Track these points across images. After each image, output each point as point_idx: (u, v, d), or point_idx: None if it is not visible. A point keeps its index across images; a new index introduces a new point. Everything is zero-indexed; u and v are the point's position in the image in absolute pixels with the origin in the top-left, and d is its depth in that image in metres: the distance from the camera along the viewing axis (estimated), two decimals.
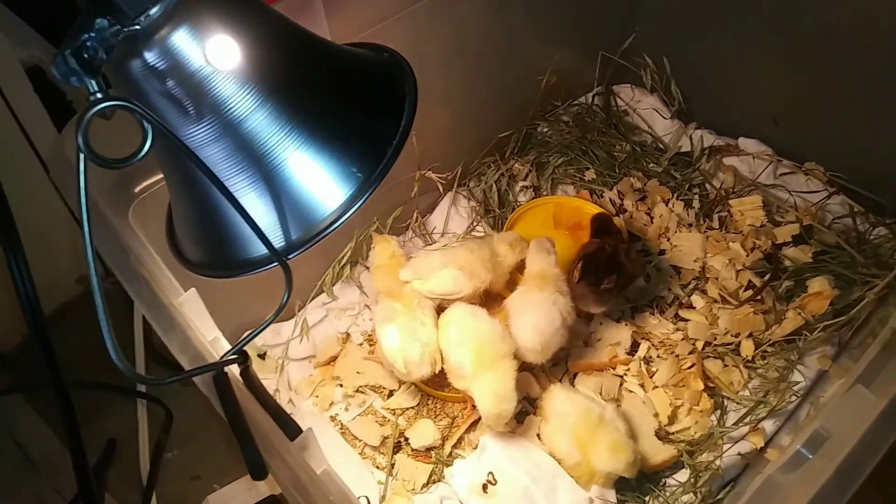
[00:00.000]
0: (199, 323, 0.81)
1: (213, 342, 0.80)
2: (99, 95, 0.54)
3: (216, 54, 0.61)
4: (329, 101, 0.67)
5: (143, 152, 0.56)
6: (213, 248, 0.72)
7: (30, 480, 1.32)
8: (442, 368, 1.23)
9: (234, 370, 0.77)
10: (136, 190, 0.96)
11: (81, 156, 0.54)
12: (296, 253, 0.67)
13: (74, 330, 1.32)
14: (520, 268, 1.39)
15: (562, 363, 1.37)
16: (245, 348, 1.34)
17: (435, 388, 1.31)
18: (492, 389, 1.15)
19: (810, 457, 0.80)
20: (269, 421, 0.73)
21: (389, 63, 0.76)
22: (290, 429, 0.74)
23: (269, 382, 1.32)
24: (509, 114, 1.62)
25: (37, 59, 1.27)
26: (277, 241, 0.67)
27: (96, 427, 1.34)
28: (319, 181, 0.66)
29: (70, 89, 1.34)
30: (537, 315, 1.23)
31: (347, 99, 0.69)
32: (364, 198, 0.67)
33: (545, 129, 1.69)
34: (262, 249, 0.67)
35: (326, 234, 0.67)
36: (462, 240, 1.46)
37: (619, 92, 1.76)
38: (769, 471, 0.84)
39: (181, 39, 0.60)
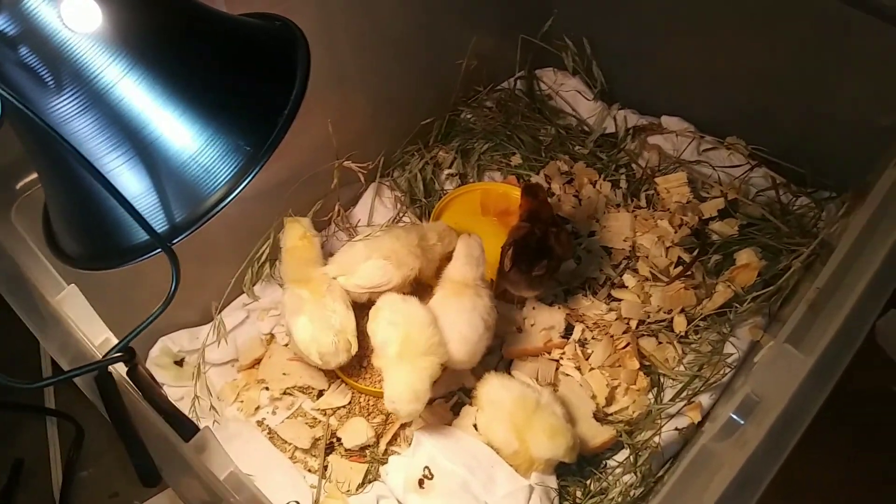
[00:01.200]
0: (83, 324, 0.74)
1: (104, 344, 0.73)
2: None
3: (74, 16, 0.55)
4: (210, 69, 0.62)
5: None
6: (92, 239, 0.65)
7: None
8: (367, 360, 1.19)
9: (120, 371, 0.70)
10: (19, 186, 0.88)
11: None
12: (181, 236, 0.61)
13: None
14: (448, 257, 1.36)
15: (496, 351, 1.33)
16: (162, 354, 1.29)
17: (358, 380, 1.26)
18: (408, 383, 1.10)
19: (742, 422, 0.78)
20: (161, 423, 0.67)
21: (280, 31, 0.71)
22: (185, 429, 0.68)
23: (188, 390, 1.25)
24: (431, 100, 1.58)
25: None
26: (160, 224, 0.61)
27: (5, 449, 1.25)
28: (203, 156, 0.61)
29: None
30: (460, 325, 1.19)
31: (232, 67, 0.64)
32: (254, 172, 0.61)
33: (469, 116, 1.66)
34: (143, 235, 0.61)
35: (214, 214, 0.61)
36: (386, 228, 1.41)
37: (542, 76, 1.74)
38: (703, 440, 0.81)
39: (34, 1, 0.54)
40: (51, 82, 0.55)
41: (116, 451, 1.27)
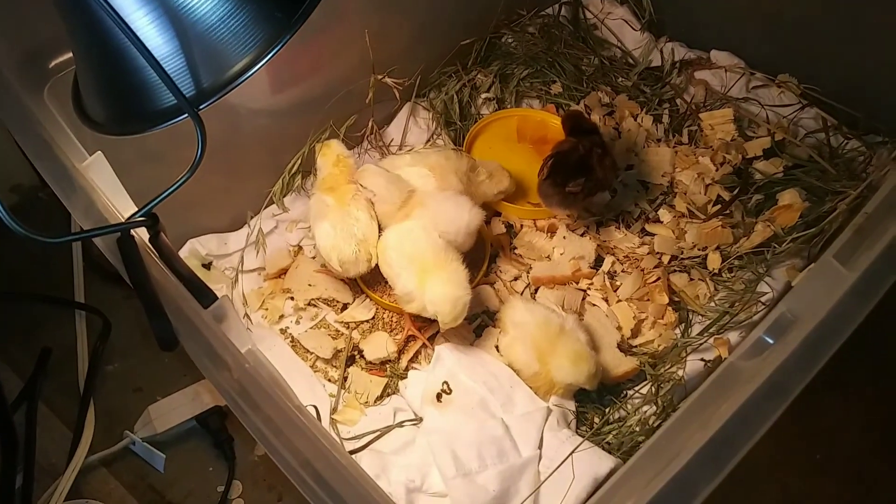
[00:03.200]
0: (108, 190, 0.73)
1: (125, 210, 0.72)
2: None
3: None
4: None
5: None
6: (118, 102, 0.64)
7: None
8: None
9: (142, 237, 0.70)
10: (52, 65, 0.87)
11: None
12: (209, 102, 0.60)
13: (8, 242, 1.25)
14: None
15: (523, 276, 1.32)
16: (190, 256, 1.29)
17: (383, 295, 1.26)
18: (443, 292, 1.09)
19: (772, 342, 0.76)
20: (181, 289, 0.67)
21: None
22: (205, 297, 0.67)
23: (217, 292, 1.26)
24: (472, 21, 1.53)
25: None
26: (187, 88, 0.59)
27: (33, 340, 1.28)
28: (233, 20, 0.59)
29: None
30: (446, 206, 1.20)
31: None
32: (283, 40, 0.59)
33: (510, 40, 1.61)
34: (169, 99, 0.60)
35: (242, 80, 0.59)
36: (439, 149, 1.38)
37: (588, 3, 1.68)
38: (730, 359, 0.79)
39: None
40: None
41: (142, 347, 1.29)
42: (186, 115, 0.59)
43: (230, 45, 0.59)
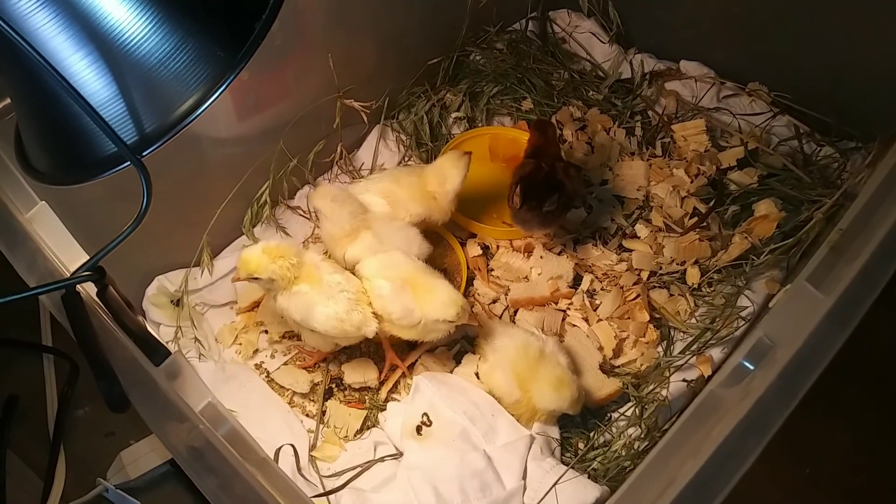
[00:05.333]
0: (54, 243, 0.70)
1: (72, 262, 0.69)
2: None
3: None
4: None
5: None
6: (60, 152, 0.61)
7: None
8: None
9: (90, 292, 0.66)
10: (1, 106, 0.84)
11: None
12: (152, 148, 0.57)
13: None
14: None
15: (501, 299, 1.30)
16: (158, 293, 1.25)
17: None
18: (447, 294, 1.07)
19: (752, 368, 0.74)
20: (132, 346, 0.64)
21: None
22: (156, 353, 0.64)
23: (186, 331, 1.22)
24: (438, 39, 1.51)
25: None
26: (128, 135, 0.56)
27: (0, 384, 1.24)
28: (174, 61, 0.56)
29: None
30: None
31: None
32: (228, 80, 0.56)
33: (478, 57, 1.60)
34: (113, 147, 0.57)
35: (186, 125, 0.56)
36: (390, 171, 1.36)
37: (556, 17, 1.67)
38: (710, 387, 0.77)
39: None
40: None
41: None
42: (129, 163, 0.56)
43: (172, 88, 0.57)
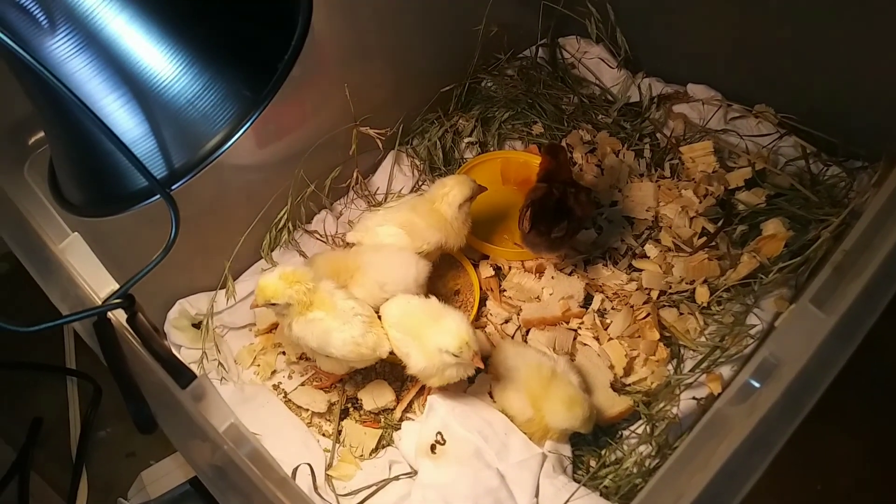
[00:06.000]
0: (86, 272, 0.73)
1: (108, 293, 0.72)
2: None
3: None
4: (209, 11, 0.61)
5: None
6: (93, 186, 0.65)
7: None
8: None
9: (120, 318, 0.70)
10: (31, 142, 0.88)
11: None
12: (180, 182, 0.61)
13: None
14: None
15: (513, 319, 1.32)
16: (180, 317, 1.29)
17: None
18: (448, 328, 1.08)
19: (758, 386, 0.76)
20: (160, 370, 0.67)
21: None
22: (183, 376, 0.67)
23: (208, 353, 1.25)
24: (450, 68, 1.55)
25: None
26: (158, 170, 0.60)
27: (25, 407, 1.27)
28: (201, 100, 0.59)
29: None
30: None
31: (231, 10, 0.62)
32: (253, 117, 0.60)
33: (489, 84, 1.64)
34: (143, 182, 0.60)
35: (213, 160, 0.60)
36: (408, 199, 1.39)
37: (565, 44, 1.70)
38: (718, 405, 0.79)
39: None
40: (44, 21, 0.55)
41: None
42: (159, 196, 0.60)
43: (200, 126, 0.60)
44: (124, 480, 1.20)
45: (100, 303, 0.69)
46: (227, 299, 1.29)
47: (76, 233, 0.77)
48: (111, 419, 1.29)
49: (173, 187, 0.60)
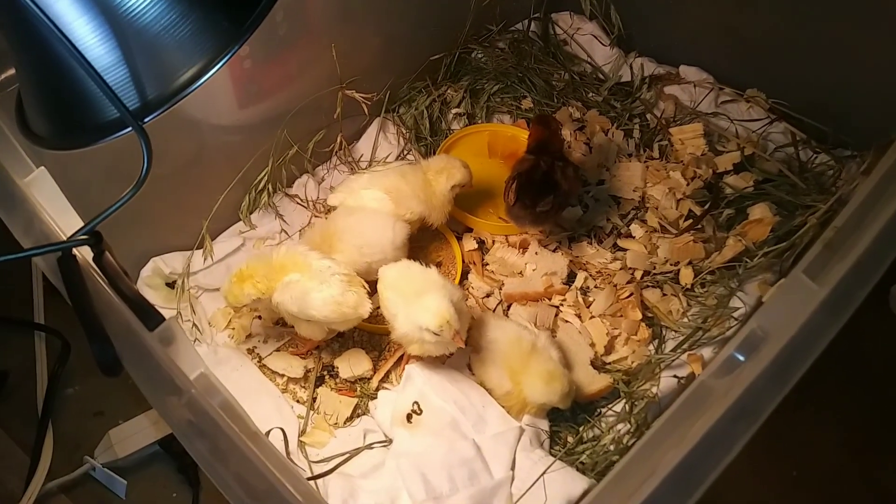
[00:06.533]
0: (52, 207, 0.70)
1: (70, 229, 0.69)
2: None
3: None
4: None
5: None
6: (61, 116, 0.61)
7: None
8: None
9: (86, 256, 0.67)
10: (1, 78, 0.84)
11: None
12: (153, 114, 0.57)
13: None
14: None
15: (495, 293, 1.30)
16: (153, 275, 1.26)
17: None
18: (428, 307, 1.06)
19: (742, 359, 0.74)
20: (127, 311, 0.64)
21: None
22: (151, 318, 0.64)
23: (182, 313, 1.22)
24: (441, 36, 1.52)
25: None
26: (131, 101, 0.57)
27: None
28: (178, 29, 0.56)
29: None
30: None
31: None
32: (232, 50, 0.57)
33: (479, 55, 1.61)
34: (115, 113, 0.57)
35: (188, 93, 0.57)
36: (396, 166, 1.37)
37: (558, 19, 1.68)
38: (701, 378, 0.77)
39: None
40: None
41: None
42: (130, 128, 0.57)
43: (176, 56, 0.57)
44: (92, 439, 1.18)
45: (65, 239, 0.66)
46: (204, 259, 1.26)
47: (42, 167, 0.74)
48: (80, 376, 1.26)
49: (146, 119, 0.57)
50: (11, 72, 0.85)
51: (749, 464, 1.24)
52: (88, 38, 0.55)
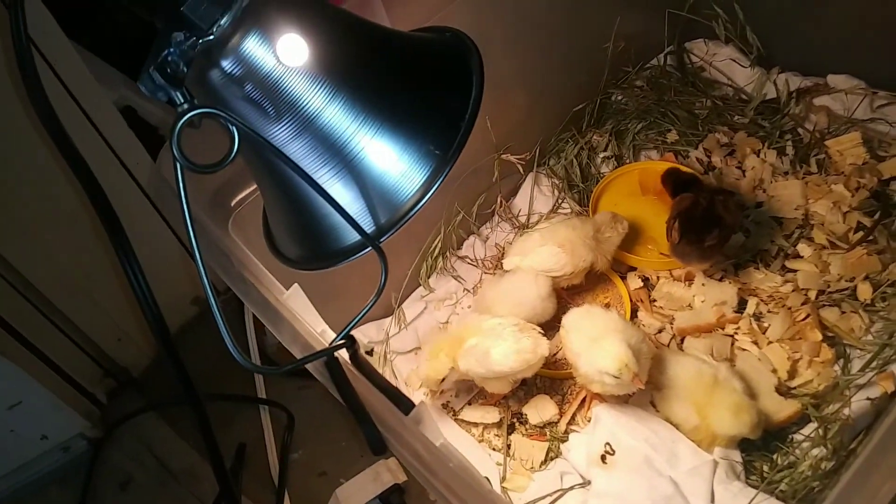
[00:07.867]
0: (305, 316, 0.84)
1: (322, 333, 0.83)
2: (186, 106, 0.57)
3: (286, 53, 0.63)
4: (398, 86, 0.69)
5: (232, 155, 0.60)
6: (309, 243, 0.74)
7: (171, 491, 1.40)
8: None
9: (343, 355, 0.79)
10: (233, 203, 1.01)
11: (178, 165, 0.57)
12: (387, 235, 0.69)
13: (194, 349, 1.41)
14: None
15: (667, 328, 1.34)
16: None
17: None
18: (608, 351, 1.12)
19: None
20: (383, 399, 0.76)
21: (452, 41, 0.77)
22: (404, 404, 0.76)
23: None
24: (581, 86, 1.60)
25: (126, 98, 1.36)
26: (367, 226, 0.69)
27: (226, 435, 1.42)
28: (400, 163, 0.68)
29: (158, 111, 1.41)
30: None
31: (416, 81, 0.71)
32: (444, 173, 0.68)
33: (620, 98, 1.66)
34: (353, 237, 0.70)
35: (413, 214, 0.68)
36: (563, 219, 1.45)
37: (692, 48, 1.71)
38: None
39: (252, 44, 0.63)
40: (271, 112, 0.65)
41: (322, 434, 1.40)
42: (370, 248, 0.69)
43: (399, 185, 0.69)
44: (319, 498, 1.31)
45: (324, 343, 0.79)
46: (398, 326, 1.40)
47: (295, 284, 0.89)
48: (302, 443, 1.41)
49: (381, 240, 0.69)
50: (241, 194, 1.02)
51: None
52: (332, 181, 0.68)
